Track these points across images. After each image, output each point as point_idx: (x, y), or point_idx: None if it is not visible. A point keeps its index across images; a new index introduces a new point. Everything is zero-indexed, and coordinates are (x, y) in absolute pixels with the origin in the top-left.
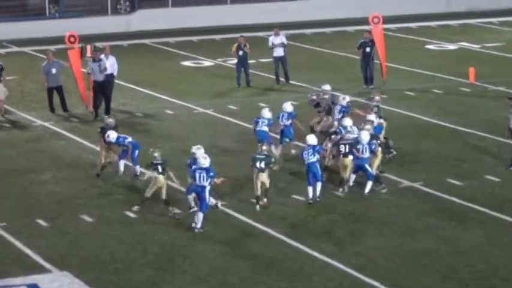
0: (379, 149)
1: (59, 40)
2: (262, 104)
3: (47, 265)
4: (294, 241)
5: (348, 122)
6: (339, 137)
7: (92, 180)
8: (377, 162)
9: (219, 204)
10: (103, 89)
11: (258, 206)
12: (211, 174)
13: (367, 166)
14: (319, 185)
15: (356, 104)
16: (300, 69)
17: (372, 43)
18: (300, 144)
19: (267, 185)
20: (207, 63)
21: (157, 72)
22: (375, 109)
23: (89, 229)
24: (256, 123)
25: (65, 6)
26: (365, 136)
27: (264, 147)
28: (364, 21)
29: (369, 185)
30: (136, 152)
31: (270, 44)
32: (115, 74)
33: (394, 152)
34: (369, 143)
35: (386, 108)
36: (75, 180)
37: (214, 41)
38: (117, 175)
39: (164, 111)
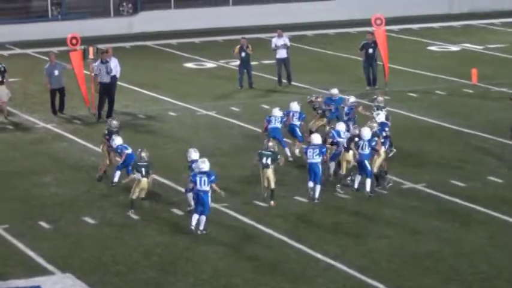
0: (382, 148)
1: (62, 42)
2: (265, 106)
3: (50, 267)
4: (297, 242)
5: (341, 127)
6: (335, 140)
7: (94, 182)
8: (379, 161)
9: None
10: (109, 91)
11: (272, 202)
12: (212, 178)
13: (366, 162)
14: (318, 187)
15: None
16: (302, 70)
17: (374, 44)
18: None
19: (272, 181)
20: (210, 65)
21: (159, 74)
22: (376, 110)
23: (91, 231)
24: (269, 121)
25: (67, 8)
26: (366, 133)
27: (270, 144)
28: (366, 22)
29: (368, 182)
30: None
31: (273, 45)
32: (117, 76)
33: (394, 150)
34: (369, 140)
35: (389, 109)
36: (77, 182)
37: (216, 42)
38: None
39: (167, 113)
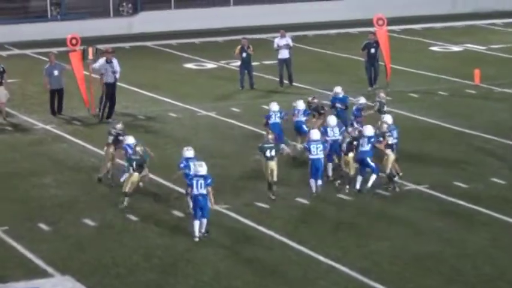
0: (389, 150)
1: (61, 42)
2: (265, 107)
3: (49, 269)
4: (298, 244)
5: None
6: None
7: (94, 184)
8: (390, 162)
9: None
10: (113, 91)
11: (272, 195)
12: (209, 181)
13: (368, 160)
14: (319, 181)
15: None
16: (303, 71)
17: (376, 44)
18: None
19: (276, 172)
20: (210, 65)
21: (159, 75)
22: (377, 105)
23: (91, 233)
24: (269, 117)
25: (66, 8)
26: (368, 130)
27: (270, 136)
28: (368, 23)
29: (373, 178)
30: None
31: (275, 45)
32: (117, 76)
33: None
34: (369, 137)
35: (390, 110)
36: (77, 183)
37: (217, 43)
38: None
39: (167, 114)
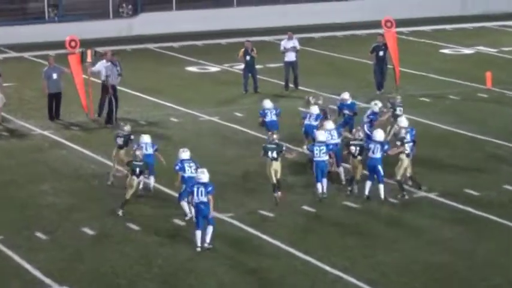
0: (404, 155)
1: (59, 45)
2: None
3: (47, 280)
4: (304, 254)
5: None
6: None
7: (93, 192)
8: (403, 167)
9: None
10: (115, 94)
11: (277, 197)
12: (209, 189)
13: (379, 167)
14: (325, 182)
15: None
16: (309, 74)
17: (385, 47)
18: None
19: (279, 173)
20: (213, 68)
21: (161, 78)
22: (390, 108)
23: (90, 242)
24: (265, 115)
25: (64, 9)
26: (379, 135)
27: (275, 136)
28: (376, 24)
29: (382, 188)
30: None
31: (282, 48)
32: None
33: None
34: (382, 143)
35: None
36: (75, 191)
37: (220, 45)
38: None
39: (169, 119)
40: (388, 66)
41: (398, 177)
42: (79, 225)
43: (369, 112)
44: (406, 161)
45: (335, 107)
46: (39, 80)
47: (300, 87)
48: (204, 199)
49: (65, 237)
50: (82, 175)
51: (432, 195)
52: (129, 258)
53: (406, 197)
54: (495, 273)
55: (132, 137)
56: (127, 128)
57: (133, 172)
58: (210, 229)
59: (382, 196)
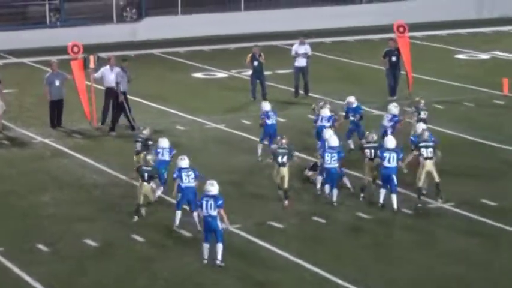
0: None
1: (60, 50)
2: (280, 119)
3: None
4: (314, 266)
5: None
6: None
7: (95, 202)
8: (423, 174)
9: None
10: (127, 101)
11: (285, 202)
12: (220, 202)
13: (394, 177)
14: (335, 191)
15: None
16: (319, 80)
17: (398, 51)
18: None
19: (287, 180)
20: (220, 74)
21: (166, 85)
22: (414, 112)
23: (92, 254)
24: (268, 117)
25: (66, 14)
26: (391, 142)
27: (284, 141)
28: (388, 29)
29: (395, 199)
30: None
31: (293, 52)
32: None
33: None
34: (397, 152)
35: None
36: (77, 201)
37: (227, 50)
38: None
39: (174, 127)
40: (402, 72)
41: (420, 184)
42: (81, 236)
43: (389, 116)
44: (427, 165)
45: (343, 113)
46: (40, 87)
47: (310, 94)
48: (213, 213)
49: (67, 249)
50: (84, 185)
51: (447, 206)
52: (134, 271)
53: (419, 204)
54: (511, 286)
55: (150, 142)
56: (146, 131)
57: (142, 178)
58: (220, 247)
59: (395, 206)
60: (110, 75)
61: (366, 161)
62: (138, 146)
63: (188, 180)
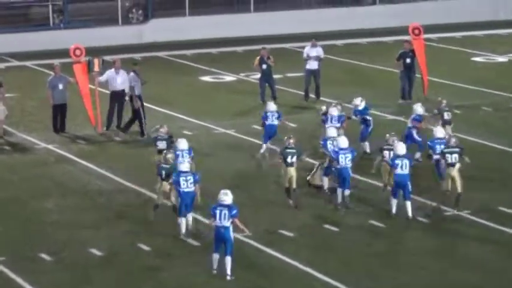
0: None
1: (64, 53)
2: (290, 124)
3: None
4: (325, 276)
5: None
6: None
7: (100, 209)
8: (459, 179)
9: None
10: (143, 104)
11: (291, 201)
12: (234, 212)
13: (408, 183)
14: (347, 192)
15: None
16: (331, 83)
17: (412, 53)
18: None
19: (295, 179)
20: (228, 78)
21: (172, 89)
22: (437, 114)
23: (97, 264)
24: (267, 117)
25: (70, 15)
26: (401, 148)
27: (291, 140)
28: (403, 30)
29: (409, 206)
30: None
31: (305, 55)
32: (126, 90)
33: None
34: (409, 158)
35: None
36: (82, 209)
37: (236, 53)
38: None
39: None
40: (416, 75)
41: (460, 190)
42: (86, 245)
43: (412, 116)
44: (451, 171)
45: (354, 117)
46: (43, 90)
47: (321, 98)
48: (227, 223)
49: (71, 258)
50: (88, 192)
51: (463, 213)
52: (139, 281)
53: (456, 212)
54: None
55: (173, 138)
56: (164, 129)
57: (160, 176)
58: (228, 260)
59: (410, 214)
60: (116, 79)
61: (384, 164)
62: (161, 144)
63: (186, 185)
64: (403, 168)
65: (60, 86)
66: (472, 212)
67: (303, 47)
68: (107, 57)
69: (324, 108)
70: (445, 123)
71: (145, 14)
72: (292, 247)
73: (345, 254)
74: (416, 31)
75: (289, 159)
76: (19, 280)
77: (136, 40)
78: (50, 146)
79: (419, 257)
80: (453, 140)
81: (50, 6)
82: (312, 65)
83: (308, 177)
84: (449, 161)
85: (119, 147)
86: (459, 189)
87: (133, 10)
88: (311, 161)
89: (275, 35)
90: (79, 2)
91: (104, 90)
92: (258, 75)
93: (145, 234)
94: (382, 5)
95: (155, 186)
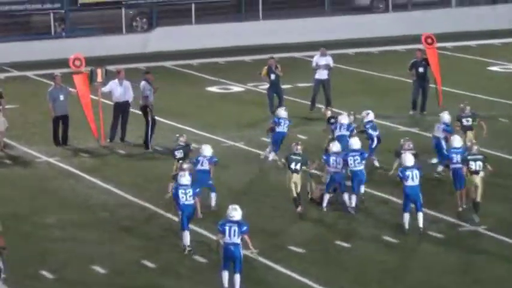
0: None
1: (66, 63)
2: (300, 136)
3: None
4: None
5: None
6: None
7: (103, 225)
8: (480, 187)
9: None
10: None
11: (299, 208)
12: (244, 228)
13: (420, 195)
14: (362, 188)
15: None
16: (341, 94)
17: (425, 62)
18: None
19: (299, 186)
20: (236, 88)
21: (178, 100)
22: (456, 120)
23: (100, 281)
24: (278, 123)
25: (72, 23)
26: (409, 159)
27: (299, 147)
28: (416, 39)
29: (421, 217)
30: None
31: (314, 64)
32: (130, 101)
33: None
34: (419, 168)
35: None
36: (84, 224)
37: (244, 62)
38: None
39: None
40: (431, 85)
41: (478, 199)
42: (88, 262)
43: (441, 126)
44: (475, 179)
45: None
46: (45, 102)
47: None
48: (237, 240)
49: (73, 276)
50: (91, 206)
51: (481, 229)
52: None
53: (477, 220)
54: None
55: (191, 147)
56: (183, 138)
57: None
58: (237, 278)
59: (421, 225)
60: (119, 90)
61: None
62: (178, 153)
63: (186, 198)
64: (414, 179)
65: (61, 97)
66: (489, 227)
67: (313, 56)
68: (111, 67)
69: (329, 113)
70: (465, 130)
71: (149, 23)
72: (302, 264)
73: (357, 271)
74: (429, 40)
75: (293, 166)
76: None
77: (140, 49)
78: (52, 160)
79: (434, 276)
80: (475, 148)
81: (51, 14)
82: (322, 74)
83: (309, 195)
84: (473, 168)
85: (123, 160)
86: (478, 198)
87: (138, 18)
88: (318, 173)
89: (284, 44)
90: (82, 10)
91: (107, 101)
92: (267, 86)
93: (150, 250)
94: (396, 13)
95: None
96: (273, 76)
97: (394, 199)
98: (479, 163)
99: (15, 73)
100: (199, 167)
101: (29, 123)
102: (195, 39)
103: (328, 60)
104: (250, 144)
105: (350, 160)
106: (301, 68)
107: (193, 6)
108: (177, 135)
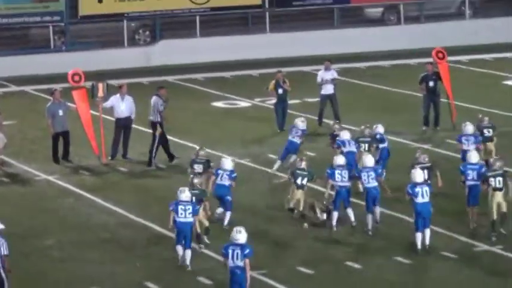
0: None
1: (66, 78)
2: (309, 153)
3: None
4: None
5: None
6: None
7: (104, 245)
8: (494, 205)
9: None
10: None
11: (305, 224)
12: (247, 252)
13: (430, 210)
14: (377, 208)
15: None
16: (350, 109)
17: (436, 76)
18: None
19: (302, 201)
20: (243, 103)
21: (183, 115)
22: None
23: None
24: (299, 136)
25: (72, 37)
26: (418, 175)
27: (304, 162)
28: (427, 52)
29: (428, 233)
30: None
31: (319, 79)
32: (133, 117)
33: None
34: (429, 185)
35: (457, 156)
36: (84, 244)
37: (251, 77)
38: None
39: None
40: (442, 100)
41: (494, 217)
42: (89, 283)
43: (471, 138)
44: (496, 196)
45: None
46: (44, 118)
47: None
48: (241, 263)
49: None
50: (92, 226)
51: (495, 249)
52: None
53: (494, 238)
54: None
55: (211, 163)
56: (203, 152)
57: None
58: None
59: (428, 242)
60: (121, 105)
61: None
62: (197, 167)
63: (184, 215)
64: (424, 196)
65: (60, 112)
66: (505, 247)
67: (320, 70)
68: (112, 82)
69: (336, 126)
70: (485, 141)
71: (153, 35)
72: (311, 285)
73: None
74: (440, 55)
75: (299, 181)
76: None
77: (143, 63)
78: (51, 178)
79: None
80: (497, 164)
81: (51, 27)
82: (328, 89)
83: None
84: (494, 185)
85: (124, 178)
86: (504, 209)
87: (140, 31)
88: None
89: (293, 57)
90: (82, 22)
91: (108, 117)
92: (274, 101)
93: (153, 271)
94: (408, 25)
95: None
96: (280, 90)
97: (406, 218)
98: (499, 179)
99: (13, 88)
100: (218, 180)
101: (28, 140)
102: (200, 53)
103: (333, 74)
104: (256, 161)
105: (364, 176)
106: (310, 82)
107: (197, 18)
108: (198, 147)
